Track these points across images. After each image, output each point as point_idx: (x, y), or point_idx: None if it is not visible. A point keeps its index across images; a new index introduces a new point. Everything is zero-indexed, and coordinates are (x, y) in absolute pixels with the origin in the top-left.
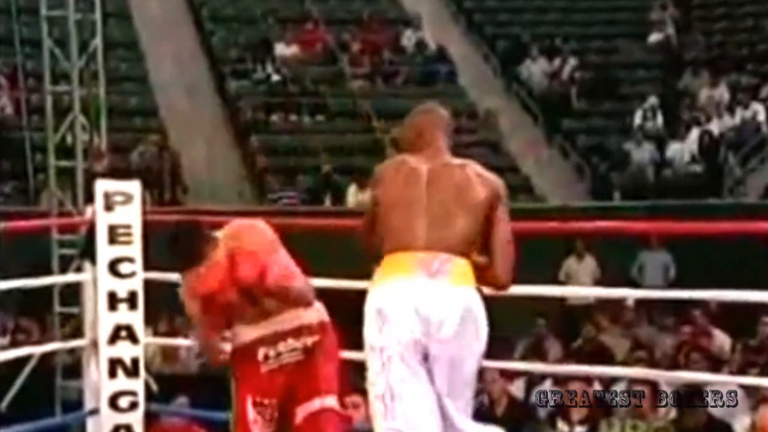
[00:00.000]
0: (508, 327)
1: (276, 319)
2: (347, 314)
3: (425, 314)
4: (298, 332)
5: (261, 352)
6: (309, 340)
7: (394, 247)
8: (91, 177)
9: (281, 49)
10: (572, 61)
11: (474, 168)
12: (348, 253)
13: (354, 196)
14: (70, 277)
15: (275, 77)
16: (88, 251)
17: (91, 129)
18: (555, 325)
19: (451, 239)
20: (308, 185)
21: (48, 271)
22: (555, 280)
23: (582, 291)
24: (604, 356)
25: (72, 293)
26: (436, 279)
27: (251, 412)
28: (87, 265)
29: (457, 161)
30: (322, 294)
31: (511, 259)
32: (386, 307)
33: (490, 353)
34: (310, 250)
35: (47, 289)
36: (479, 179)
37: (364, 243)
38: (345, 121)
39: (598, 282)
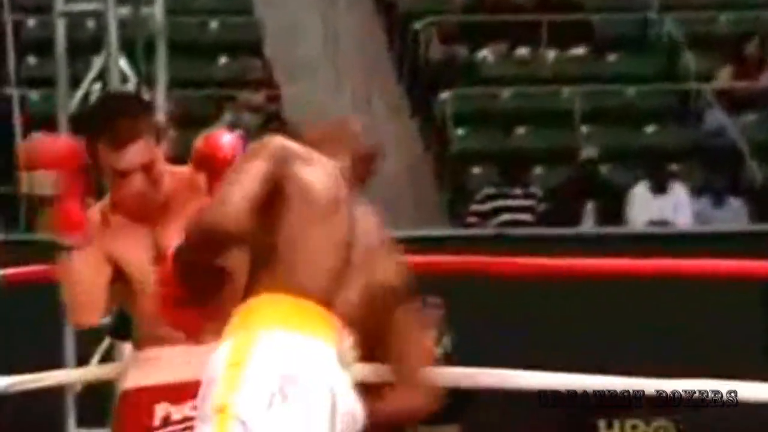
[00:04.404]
0: None
1: (191, 352)
2: None
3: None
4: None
5: (160, 411)
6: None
7: (312, 290)
8: None
9: None
10: None
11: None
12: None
13: (640, 205)
14: (94, 371)
15: None
16: (123, 324)
17: (139, 83)
18: None
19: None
20: (550, 185)
21: (54, 360)
22: None
23: None
24: None
25: (97, 399)
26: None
27: None
28: (125, 348)
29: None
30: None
31: None
32: (303, 379)
33: None
34: (523, 312)
35: (53, 393)
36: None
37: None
38: (629, 58)
39: None
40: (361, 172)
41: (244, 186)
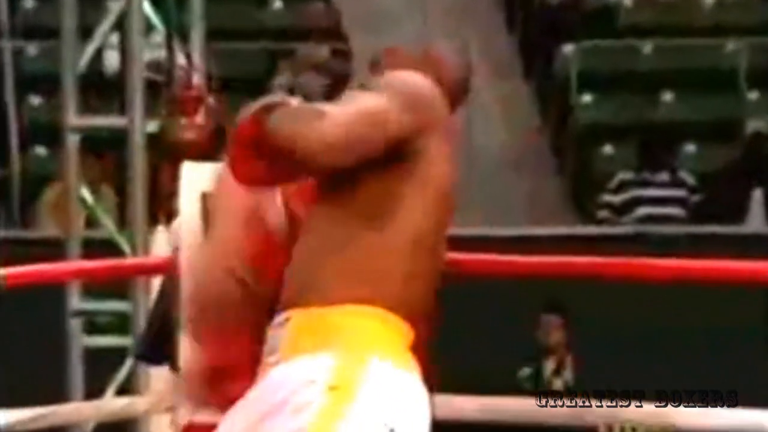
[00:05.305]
0: None
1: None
2: None
3: None
4: None
5: None
6: None
7: (394, 300)
8: (166, 157)
9: None
10: None
11: None
12: None
13: None
14: (111, 405)
15: None
16: (156, 342)
17: (169, 35)
18: None
19: None
20: (705, 169)
21: (57, 390)
22: None
23: None
24: None
25: None
26: None
27: None
28: (153, 375)
29: None
30: None
31: None
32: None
33: None
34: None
35: None
36: None
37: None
38: None
39: None
40: (451, 102)
41: (367, 128)
